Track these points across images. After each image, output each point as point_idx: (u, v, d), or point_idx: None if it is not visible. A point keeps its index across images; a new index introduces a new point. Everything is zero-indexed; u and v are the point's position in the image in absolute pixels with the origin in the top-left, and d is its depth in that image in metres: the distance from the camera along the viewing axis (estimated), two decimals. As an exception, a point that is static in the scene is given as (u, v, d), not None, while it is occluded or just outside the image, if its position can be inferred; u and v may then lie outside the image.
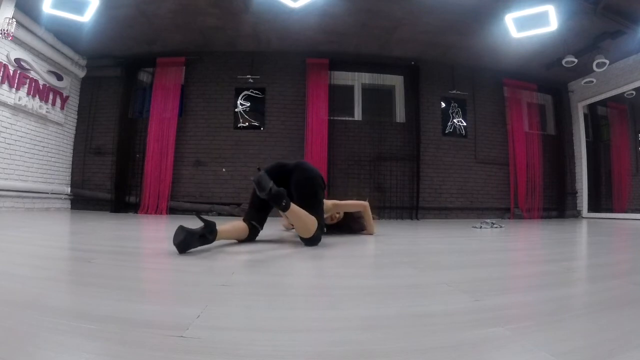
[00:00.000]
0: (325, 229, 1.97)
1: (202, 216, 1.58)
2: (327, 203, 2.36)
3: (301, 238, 1.85)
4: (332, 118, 5.83)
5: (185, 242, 1.46)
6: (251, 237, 1.92)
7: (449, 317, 0.76)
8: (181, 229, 1.47)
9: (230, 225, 1.82)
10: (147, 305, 0.81)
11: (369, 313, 0.78)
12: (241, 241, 1.88)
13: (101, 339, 0.59)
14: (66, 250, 1.74)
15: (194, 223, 1.62)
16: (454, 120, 6.26)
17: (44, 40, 5.12)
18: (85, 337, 0.59)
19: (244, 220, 1.92)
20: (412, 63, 6.08)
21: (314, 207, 1.87)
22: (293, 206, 1.73)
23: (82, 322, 0.66)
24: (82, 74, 6.06)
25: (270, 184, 1.63)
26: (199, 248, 1.57)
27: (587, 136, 6.75)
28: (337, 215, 2.54)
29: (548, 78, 6.46)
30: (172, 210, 5.59)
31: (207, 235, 1.56)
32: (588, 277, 1.32)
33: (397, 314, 0.77)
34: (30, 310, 0.72)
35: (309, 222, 1.78)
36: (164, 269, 1.30)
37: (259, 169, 1.69)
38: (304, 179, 1.97)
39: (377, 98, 6.19)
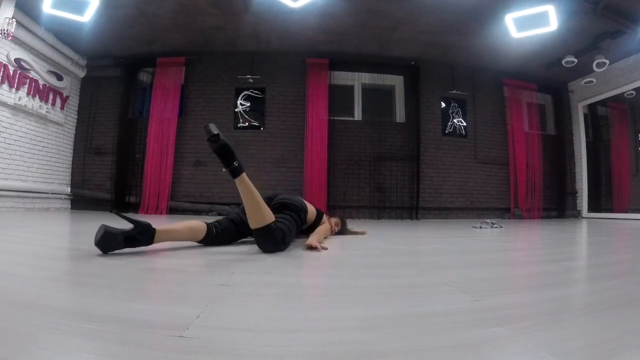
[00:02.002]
0: (288, 241, 1.74)
1: (126, 216, 1.44)
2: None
3: (256, 238, 1.64)
4: (332, 118, 5.83)
5: (104, 242, 1.34)
6: (209, 239, 1.69)
7: (449, 317, 0.76)
8: (101, 227, 1.36)
9: (180, 224, 1.64)
10: (147, 305, 0.81)
11: (369, 313, 0.78)
12: (200, 242, 1.69)
13: (101, 339, 0.59)
14: (66, 250, 1.74)
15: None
16: (454, 120, 6.26)
17: (44, 40, 5.12)
18: (85, 337, 0.59)
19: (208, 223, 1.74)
20: (412, 63, 6.08)
21: (287, 214, 1.83)
22: (246, 177, 1.55)
23: (82, 322, 0.66)
24: (82, 74, 6.06)
25: (220, 134, 1.48)
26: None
27: (587, 136, 6.75)
28: (336, 228, 2.51)
29: (548, 78, 6.46)
30: (172, 210, 5.59)
31: (137, 236, 1.41)
32: (588, 277, 1.32)
33: (397, 314, 0.77)
34: (30, 310, 0.72)
35: (264, 207, 1.59)
36: (164, 269, 1.30)
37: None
38: (285, 199, 1.97)
39: (377, 98, 6.18)
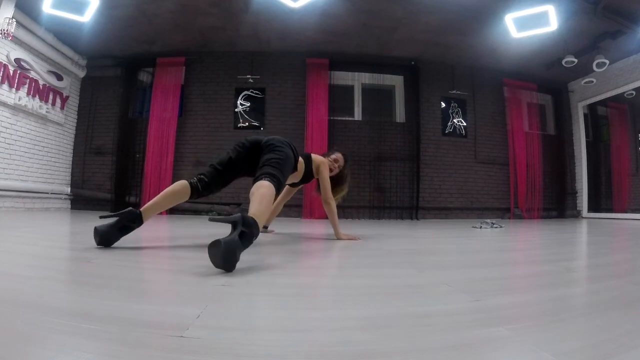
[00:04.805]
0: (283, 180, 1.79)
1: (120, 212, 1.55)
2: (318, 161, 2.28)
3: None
4: (332, 118, 5.83)
5: (104, 240, 1.51)
6: (196, 196, 1.77)
7: (449, 317, 0.76)
8: (94, 230, 1.51)
9: (162, 194, 1.71)
10: (147, 305, 0.81)
11: (369, 313, 0.78)
12: (190, 200, 1.77)
13: (101, 339, 0.59)
14: (66, 250, 1.74)
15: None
16: (454, 120, 6.26)
17: (44, 40, 5.12)
18: (86, 337, 0.59)
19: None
20: (412, 63, 6.08)
21: (274, 162, 1.79)
22: (253, 215, 1.35)
23: (82, 322, 0.66)
24: (82, 74, 6.06)
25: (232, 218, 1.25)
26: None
27: (587, 136, 6.75)
28: (336, 166, 2.35)
29: (548, 78, 6.46)
30: (172, 210, 5.58)
31: (127, 223, 1.55)
32: (588, 277, 1.31)
33: (397, 314, 0.77)
34: (30, 310, 0.72)
35: (271, 201, 1.53)
36: (164, 268, 1.30)
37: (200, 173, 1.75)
38: (267, 148, 1.98)
39: (377, 98, 6.19)
